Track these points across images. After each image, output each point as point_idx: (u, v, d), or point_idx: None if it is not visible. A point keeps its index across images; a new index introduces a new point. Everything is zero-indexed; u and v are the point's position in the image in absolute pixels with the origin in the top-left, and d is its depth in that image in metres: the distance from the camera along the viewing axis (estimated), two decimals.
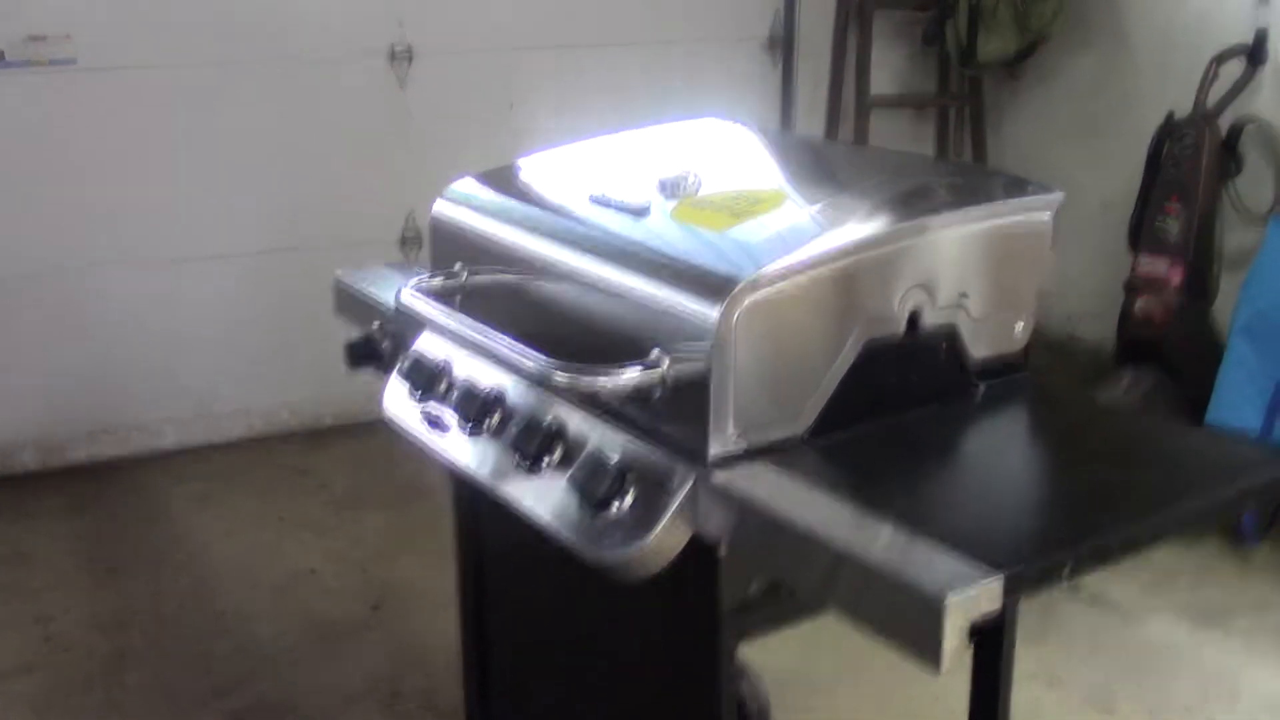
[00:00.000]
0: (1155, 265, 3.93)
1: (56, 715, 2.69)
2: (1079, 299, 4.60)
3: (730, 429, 1.42)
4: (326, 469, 3.92)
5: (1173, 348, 3.90)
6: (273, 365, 4.10)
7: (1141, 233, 4.00)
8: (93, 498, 3.73)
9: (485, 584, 2.15)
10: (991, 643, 1.72)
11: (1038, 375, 1.69)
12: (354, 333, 2.10)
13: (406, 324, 1.90)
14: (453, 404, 1.73)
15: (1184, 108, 3.89)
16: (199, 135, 3.89)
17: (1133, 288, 3.99)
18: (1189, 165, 3.85)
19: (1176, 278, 3.88)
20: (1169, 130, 3.93)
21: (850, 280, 1.47)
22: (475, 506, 2.10)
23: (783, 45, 4.70)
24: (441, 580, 3.12)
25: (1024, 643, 2.91)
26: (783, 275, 1.41)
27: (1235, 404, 3.58)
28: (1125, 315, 4.04)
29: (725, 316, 1.38)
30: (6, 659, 2.89)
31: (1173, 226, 3.90)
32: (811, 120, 4.81)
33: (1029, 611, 3.04)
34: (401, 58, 4.06)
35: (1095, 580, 3.26)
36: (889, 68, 4.87)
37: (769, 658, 2.79)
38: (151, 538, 3.48)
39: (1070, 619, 3.12)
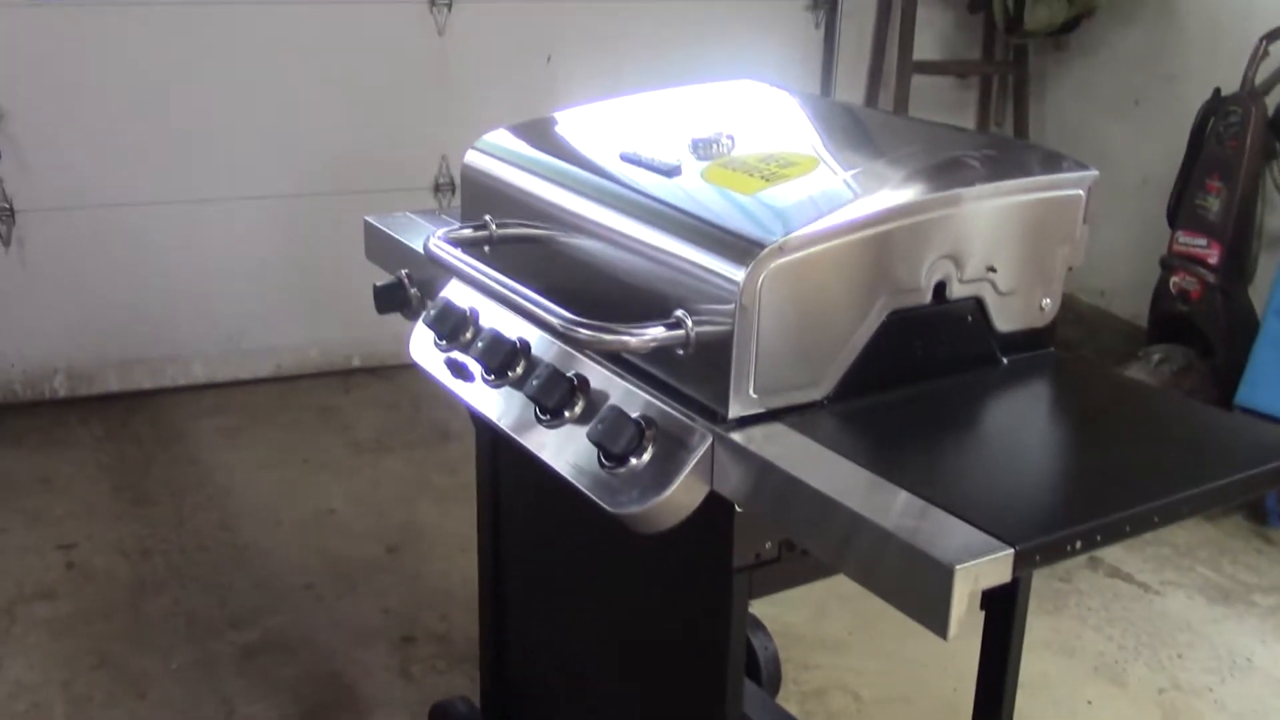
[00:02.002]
0: (1193, 243, 3.90)
1: (75, 640, 2.74)
2: (1114, 274, 4.57)
3: (751, 390, 1.43)
4: (351, 410, 3.96)
5: (1207, 326, 3.88)
6: (303, 306, 4.12)
7: (1181, 209, 3.97)
8: (121, 427, 3.78)
9: (503, 530, 2.18)
10: (1003, 610, 1.74)
11: (1069, 349, 1.68)
12: (383, 277, 2.12)
13: (434, 272, 1.91)
14: (477, 354, 1.74)
15: (1231, 85, 3.83)
16: (237, 74, 3.90)
17: (1169, 265, 3.96)
18: (1233, 143, 3.81)
19: (1214, 256, 3.85)
20: (1215, 107, 3.88)
21: (877, 248, 1.47)
22: (496, 454, 2.12)
23: (826, 6, 4.65)
24: (459, 525, 3.18)
25: (1040, 611, 2.97)
26: (810, 241, 1.41)
27: (1266, 385, 3.56)
28: (1160, 292, 4.02)
29: (750, 279, 1.38)
30: (28, 584, 2.94)
31: (1213, 204, 3.86)
32: (852, 83, 4.77)
33: (1047, 580, 3.09)
34: (441, 4, 4.04)
35: (1115, 553, 3.27)
36: (933, 33, 4.82)
37: (782, 614, 2.84)
38: (177, 470, 3.53)
39: (1088, 590, 3.13)
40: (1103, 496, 1.32)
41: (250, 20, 3.87)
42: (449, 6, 4.06)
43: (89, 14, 3.67)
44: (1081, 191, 1.63)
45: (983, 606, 1.77)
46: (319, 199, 4.05)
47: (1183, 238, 3.93)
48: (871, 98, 4.79)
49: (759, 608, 2.65)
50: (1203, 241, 3.87)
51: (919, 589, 1.18)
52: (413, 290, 2.07)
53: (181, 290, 4.01)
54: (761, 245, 1.39)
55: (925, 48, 4.74)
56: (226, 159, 3.96)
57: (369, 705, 2.56)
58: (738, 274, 1.39)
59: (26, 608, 2.85)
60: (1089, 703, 2.70)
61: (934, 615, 1.16)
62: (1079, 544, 1.22)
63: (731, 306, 1.39)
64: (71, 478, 3.46)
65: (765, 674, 2.52)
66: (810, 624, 2.88)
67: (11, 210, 3.74)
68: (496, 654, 2.26)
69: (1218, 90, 3.88)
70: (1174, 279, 3.94)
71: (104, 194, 3.85)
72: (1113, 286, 4.61)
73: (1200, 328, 3.88)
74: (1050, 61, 4.90)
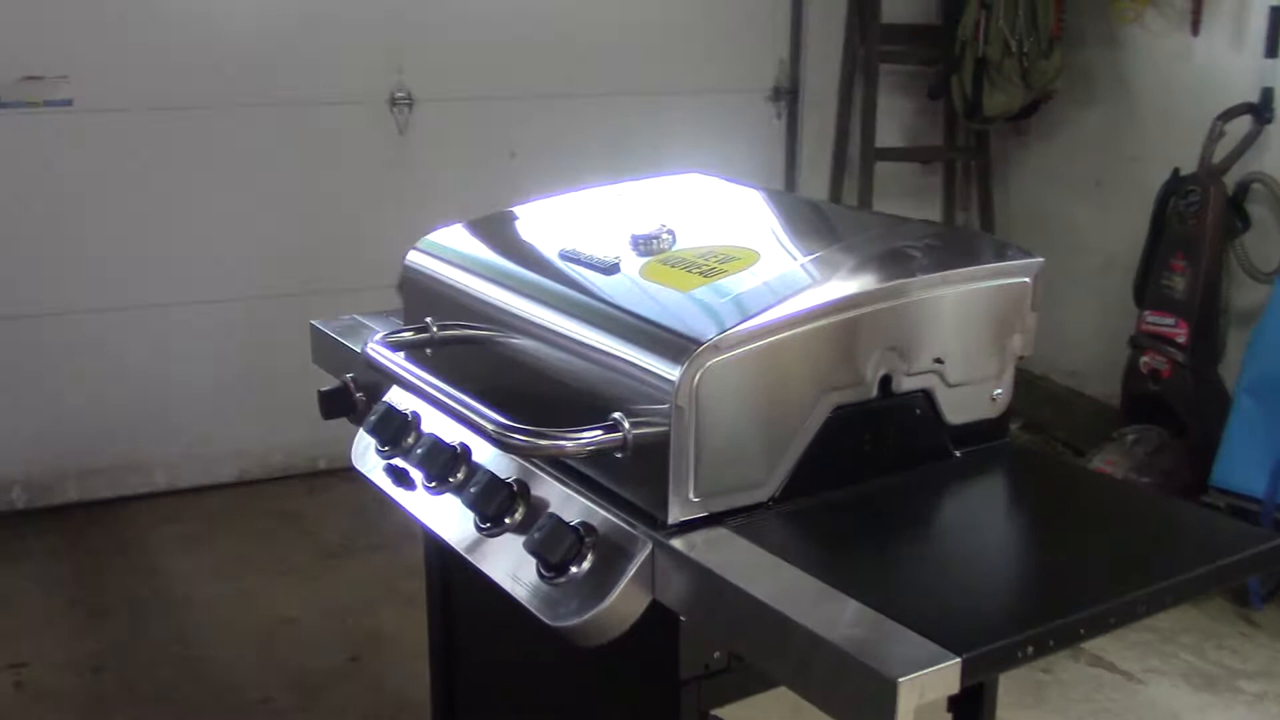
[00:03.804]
0: (1161, 322, 3.89)
1: None
2: (1085, 354, 4.55)
3: (691, 494, 1.38)
4: (315, 514, 3.88)
5: (1179, 405, 3.85)
6: (266, 409, 4.06)
7: (1147, 289, 3.97)
8: (79, 539, 3.69)
9: (456, 639, 2.11)
10: (969, 712, 1.68)
11: (1041, 431, 1.64)
12: (330, 383, 2.07)
13: (378, 376, 1.87)
14: (416, 460, 1.69)
15: (1190, 164, 3.86)
16: (196, 178, 3.89)
17: (1138, 344, 3.95)
18: (1195, 222, 3.82)
19: (1182, 335, 3.85)
20: (1175, 187, 3.90)
21: (818, 343, 1.43)
22: (445, 560, 2.06)
23: (787, 97, 4.69)
24: (422, 632, 3.06)
25: (1019, 705, 2.89)
26: (747, 337, 1.37)
27: (1241, 464, 3.52)
28: (1131, 371, 4.01)
29: (685, 379, 1.34)
30: None
31: (1179, 283, 3.87)
32: (816, 172, 4.79)
33: (1028, 671, 3.01)
34: (402, 104, 4.06)
35: (1096, 640, 3.19)
36: (895, 120, 4.85)
37: (754, 716, 2.74)
38: (135, 581, 3.44)
39: (1069, 680, 3.05)
40: (1057, 598, 1.27)
41: (209, 122, 3.86)
42: (410, 105, 4.07)
43: (40, 120, 3.66)
44: (1028, 279, 1.60)
45: (949, 708, 1.71)
46: (281, 300, 4.01)
47: (1150, 317, 3.92)
48: (836, 186, 4.80)
49: (729, 712, 2.58)
50: (1170, 320, 3.86)
51: (862, 703, 1.12)
52: (358, 395, 2.03)
53: (142, 396, 3.95)
54: (697, 343, 1.35)
55: (888, 135, 4.77)
56: (186, 262, 3.93)
57: None
58: (673, 373, 1.35)
59: None
60: None
61: None
62: (1031, 650, 1.17)
63: (667, 407, 1.35)
64: (26, 592, 3.37)
65: None
66: None
67: None
68: None
69: (1176, 170, 3.90)
70: (1144, 358, 3.92)
71: (59, 300, 3.80)
72: (1084, 367, 4.59)
73: (1173, 407, 3.86)
74: (1012, 145, 4.94)
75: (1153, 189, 3.96)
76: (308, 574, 3.50)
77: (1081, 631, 1.21)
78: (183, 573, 3.49)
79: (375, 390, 1.96)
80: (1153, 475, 3.72)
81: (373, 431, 1.81)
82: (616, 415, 1.41)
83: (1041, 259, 1.60)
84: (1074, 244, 4.51)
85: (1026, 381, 4.72)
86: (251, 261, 4.01)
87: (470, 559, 1.57)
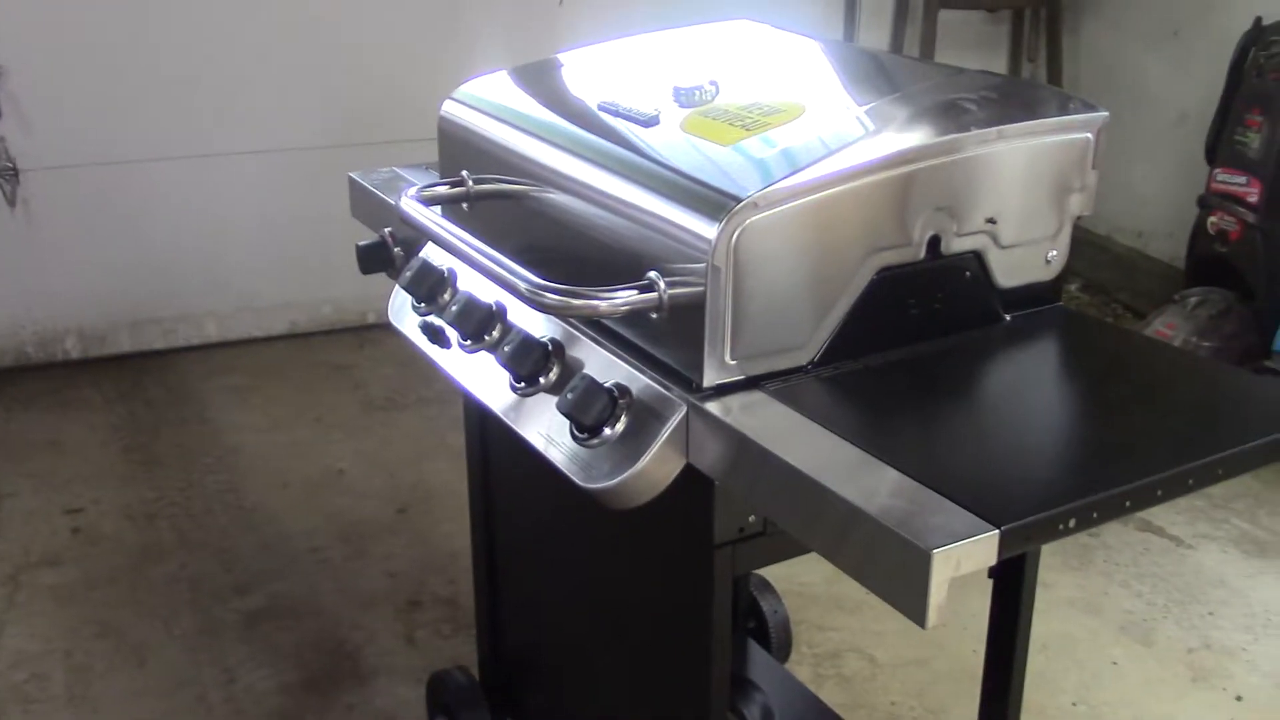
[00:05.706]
0: (1232, 181, 3.74)
1: (79, 608, 2.70)
2: (1151, 214, 4.41)
3: (727, 356, 1.34)
4: (365, 367, 3.90)
5: (1246, 268, 3.73)
6: (317, 261, 4.05)
7: (1220, 146, 3.81)
8: (132, 388, 3.74)
9: (495, 499, 2.11)
10: (1010, 578, 1.66)
11: (1104, 293, 1.58)
12: (369, 237, 2.04)
13: (413, 231, 1.83)
14: (451, 318, 1.66)
15: (1275, 13, 3.65)
16: (243, 25, 3.81)
17: (1207, 204, 3.81)
18: (1274, 75, 3.64)
19: (1254, 194, 3.70)
20: (1255, 37, 3.71)
21: (862, 202, 1.36)
22: (484, 418, 2.04)
23: None
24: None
25: (1064, 568, 2.88)
26: (788, 195, 1.31)
27: None
28: (1198, 232, 3.87)
29: (722, 237, 1.28)
30: (34, 550, 2.91)
31: (1253, 140, 3.70)
32: (877, 22, 4.60)
33: (1073, 535, 2.98)
34: None
35: None
36: None
37: (797, 574, 2.75)
38: (187, 430, 3.49)
39: (1116, 545, 3.02)
40: (1104, 469, 1.22)
41: None
42: None
43: None
44: (1090, 134, 1.52)
45: (990, 575, 1.68)
46: (330, 151, 3.96)
47: (1221, 175, 3.77)
48: (897, 36, 4.62)
49: (771, 569, 2.58)
50: (1242, 179, 3.71)
51: (895, 574, 1.09)
52: (396, 249, 2.00)
53: (192, 248, 3.95)
54: (735, 200, 1.30)
55: None
56: (234, 112, 3.88)
57: (371, 673, 2.52)
58: (709, 231, 1.29)
59: (32, 574, 2.82)
60: (1114, 663, 2.61)
61: (912, 602, 1.08)
62: (1073, 522, 1.13)
63: (703, 266, 1.30)
64: (81, 440, 3.43)
65: (775, 639, 2.45)
66: (826, 584, 2.80)
67: (15, 170, 3.69)
68: (492, 625, 2.20)
69: (1259, 19, 3.70)
70: (1212, 219, 3.79)
71: (109, 150, 3.78)
72: (1150, 228, 4.45)
73: (1239, 269, 3.74)
74: None
75: (1233, 39, 3.77)
76: (357, 426, 3.52)
77: (1127, 504, 1.16)
78: (234, 423, 3.53)
79: (413, 245, 1.93)
80: (1214, 340, 3.63)
81: (408, 288, 1.78)
82: (652, 274, 1.36)
83: (1105, 113, 1.52)
84: (1145, 97, 4.32)
85: (1088, 242, 4.61)
86: (298, 111, 3.95)
87: (505, 419, 1.54)
